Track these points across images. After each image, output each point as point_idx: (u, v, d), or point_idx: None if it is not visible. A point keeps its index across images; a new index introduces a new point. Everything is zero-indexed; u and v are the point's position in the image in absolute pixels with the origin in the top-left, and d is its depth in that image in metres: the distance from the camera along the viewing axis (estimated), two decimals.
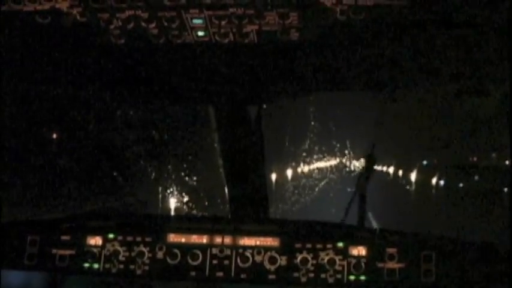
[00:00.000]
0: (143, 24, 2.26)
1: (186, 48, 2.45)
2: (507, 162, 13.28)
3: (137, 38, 2.36)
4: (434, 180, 16.14)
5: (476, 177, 14.08)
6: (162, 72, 2.90)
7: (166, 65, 2.79)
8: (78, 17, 2.26)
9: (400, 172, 18.96)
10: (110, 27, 2.31)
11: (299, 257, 3.03)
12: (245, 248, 3.10)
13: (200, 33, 2.32)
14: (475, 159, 15.06)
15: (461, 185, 14.69)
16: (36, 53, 2.74)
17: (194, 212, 8.45)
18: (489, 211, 10.76)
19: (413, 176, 17.48)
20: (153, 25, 2.27)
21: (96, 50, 2.59)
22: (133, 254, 3.14)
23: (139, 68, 2.85)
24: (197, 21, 2.25)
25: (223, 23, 2.24)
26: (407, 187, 17.49)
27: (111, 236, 3.19)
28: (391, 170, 19.56)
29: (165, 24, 2.26)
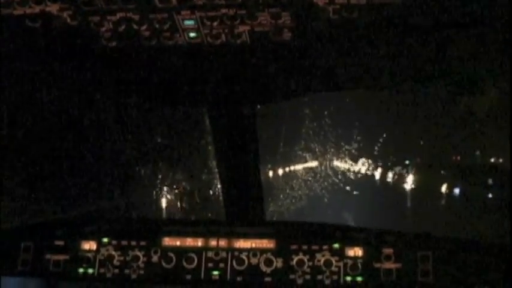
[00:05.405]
0: (134, 26, 2.24)
1: (178, 49, 2.43)
2: (493, 160, 13.02)
3: (128, 41, 2.34)
4: (444, 188, 14.83)
5: (490, 181, 13.08)
6: (155, 74, 2.88)
7: (159, 67, 2.77)
8: (68, 20, 2.24)
9: (390, 174, 17.93)
10: (100, 30, 2.29)
11: (295, 259, 3.01)
12: (240, 250, 3.08)
13: (192, 35, 2.30)
14: (458, 158, 14.53)
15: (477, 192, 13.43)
16: (27, 57, 2.72)
17: (189, 215, 8.40)
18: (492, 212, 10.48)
19: (410, 180, 16.42)
20: (144, 27, 2.25)
21: (87, 53, 2.57)
22: (128, 258, 3.12)
23: (131, 71, 2.83)
24: (189, 23, 2.24)
25: (215, 24, 2.22)
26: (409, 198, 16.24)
27: (105, 240, 3.17)
28: (379, 171, 18.32)
29: (157, 26, 2.24)
